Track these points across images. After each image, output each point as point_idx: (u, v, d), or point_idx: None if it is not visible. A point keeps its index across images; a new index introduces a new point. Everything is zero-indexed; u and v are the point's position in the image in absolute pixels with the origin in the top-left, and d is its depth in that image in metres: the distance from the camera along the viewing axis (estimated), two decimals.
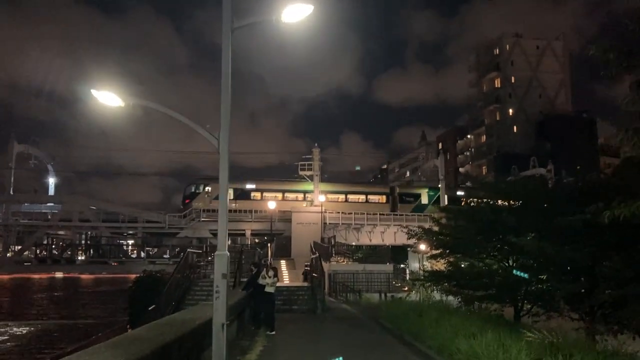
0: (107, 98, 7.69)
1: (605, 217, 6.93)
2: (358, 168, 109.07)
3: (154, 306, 20.01)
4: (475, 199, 19.11)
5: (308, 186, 56.24)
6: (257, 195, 56.51)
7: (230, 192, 55.12)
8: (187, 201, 53.84)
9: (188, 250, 23.47)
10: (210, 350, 7.87)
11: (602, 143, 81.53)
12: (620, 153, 74.17)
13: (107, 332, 29.50)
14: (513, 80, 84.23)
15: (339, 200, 59.44)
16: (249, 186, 55.17)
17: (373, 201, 61.25)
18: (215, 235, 48.64)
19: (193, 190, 54.98)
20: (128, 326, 26.83)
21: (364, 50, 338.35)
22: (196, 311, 9.74)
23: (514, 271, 15.09)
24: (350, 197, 60.54)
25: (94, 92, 7.57)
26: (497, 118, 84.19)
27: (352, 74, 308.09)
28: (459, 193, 51.49)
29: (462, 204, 36.97)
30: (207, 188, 54.36)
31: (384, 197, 62.23)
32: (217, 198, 54.44)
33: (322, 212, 50.05)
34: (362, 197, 61.20)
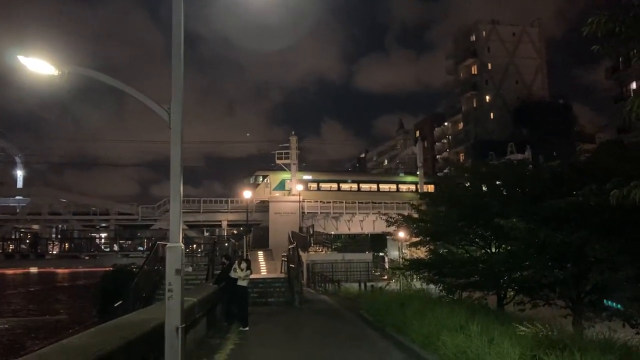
0: (38, 66, 6.70)
1: (615, 198, 6.20)
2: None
3: (120, 302, 18.98)
4: (456, 185, 18.42)
5: (362, 177, 58.10)
6: (314, 185, 57.50)
7: (288, 182, 56.07)
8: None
9: (158, 242, 22.38)
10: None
11: (578, 129, 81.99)
12: (595, 138, 74.97)
13: (78, 328, 28.33)
14: (490, 67, 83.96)
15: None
16: (306, 177, 56.75)
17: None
18: (190, 227, 48.32)
19: (252, 181, 55.72)
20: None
21: (345, 35, 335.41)
22: (153, 311, 8.80)
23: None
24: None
25: (21, 58, 6.55)
26: (474, 105, 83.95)
27: (332, 60, 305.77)
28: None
29: (435, 189, 36.67)
30: (266, 179, 55.60)
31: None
32: (276, 188, 55.46)
33: (300, 202, 49.25)
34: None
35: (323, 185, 59.03)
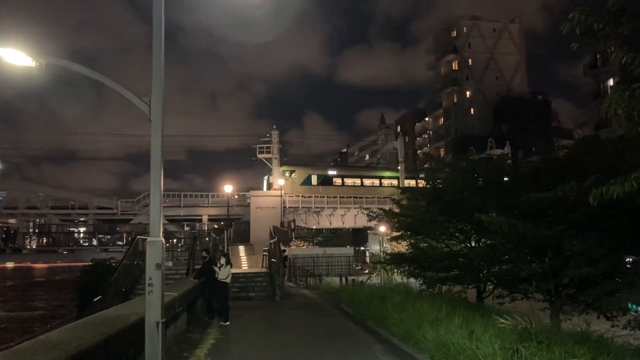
0: (14, 57, 6.55)
1: (594, 197, 6.30)
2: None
3: (100, 297, 18.77)
4: (437, 180, 18.53)
5: (384, 173, 59.33)
6: (338, 181, 58.20)
7: (315, 177, 57.02)
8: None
9: (137, 237, 22.18)
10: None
11: (557, 125, 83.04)
12: (573, 134, 76.07)
13: (57, 324, 27.95)
14: (470, 63, 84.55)
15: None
16: (331, 172, 58.33)
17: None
18: (170, 221, 47.93)
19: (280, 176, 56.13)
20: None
21: (330, 27, 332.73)
22: (133, 305, 8.70)
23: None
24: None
25: None
26: (455, 100, 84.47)
27: (316, 52, 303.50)
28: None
29: (416, 184, 36.99)
30: (293, 174, 56.27)
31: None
32: (303, 183, 55.88)
33: (281, 196, 49.14)
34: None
35: (347, 181, 59.50)
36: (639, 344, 8.69)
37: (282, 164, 56.20)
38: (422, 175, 49.73)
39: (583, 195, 7.78)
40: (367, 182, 59.36)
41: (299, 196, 53.06)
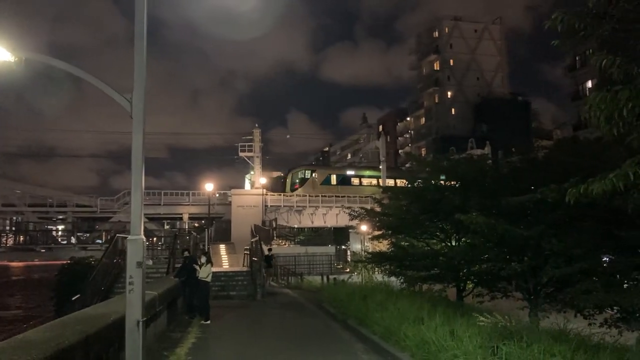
0: None
1: (571, 195, 6.39)
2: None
3: (78, 295, 18.53)
4: (418, 180, 18.64)
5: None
6: (356, 180, 59.34)
7: (334, 177, 58.01)
8: (296, 187, 56.48)
9: (117, 235, 21.95)
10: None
11: (536, 126, 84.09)
12: (553, 135, 77.08)
13: (34, 323, 27.52)
14: (452, 63, 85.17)
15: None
16: (349, 172, 60.00)
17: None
18: (151, 219, 47.49)
19: (302, 176, 57.59)
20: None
21: (314, 25, 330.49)
22: (113, 304, 8.61)
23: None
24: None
25: None
26: (436, 100, 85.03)
27: (300, 49, 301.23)
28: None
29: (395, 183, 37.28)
30: (314, 174, 57.61)
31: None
32: (323, 183, 56.75)
33: (263, 195, 49.01)
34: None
35: (364, 181, 59.98)
36: (614, 342, 8.83)
37: (298, 165, 57.81)
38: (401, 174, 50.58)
39: (562, 196, 7.87)
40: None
41: (280, 195, 53.00)
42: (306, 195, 53.68)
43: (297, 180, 56.98)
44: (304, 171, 58.00)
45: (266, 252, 27.74)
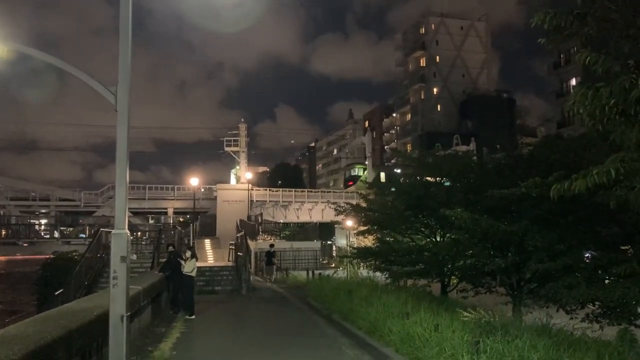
0: None
1: (555, 191, 6.44)
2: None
3: (61, 290, 18.35)
4: (404, 176, 18.73)
5: None
6: None
7: (383, 175, 58.21)
8: (350, 183, 59.27)
9: (101, 229, 21.77)
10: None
11: (521, 123, 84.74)
12: (537, 132, 77.76)
13: (16, 318, 27.21)
14: (438, 60, 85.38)
15: None
16: (396, 170, 61.72)
17: None
18: (135, 214, 47.15)
19: (355, 173, 60.96)
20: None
21: (305, 15, 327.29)
22: (97, 299, 8.53)
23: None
24: None
25: None
26: (422, 97, 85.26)
27: (289, 41, 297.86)
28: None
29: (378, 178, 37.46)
30: (365, 172, 59.99)
31: None
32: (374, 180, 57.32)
33: (248, 190, 48.89)
34: None
35: None
36: (596, 336, 8.96)
37: (350, 162, 58.61)
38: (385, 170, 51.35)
39: (546, 192, 7.95)
40: None
41: (266, 190, 52.94)
42: (292, 190, 53.68)
43: (350, 177, 59.01)
44: (357, 168, 60.20)
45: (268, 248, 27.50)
